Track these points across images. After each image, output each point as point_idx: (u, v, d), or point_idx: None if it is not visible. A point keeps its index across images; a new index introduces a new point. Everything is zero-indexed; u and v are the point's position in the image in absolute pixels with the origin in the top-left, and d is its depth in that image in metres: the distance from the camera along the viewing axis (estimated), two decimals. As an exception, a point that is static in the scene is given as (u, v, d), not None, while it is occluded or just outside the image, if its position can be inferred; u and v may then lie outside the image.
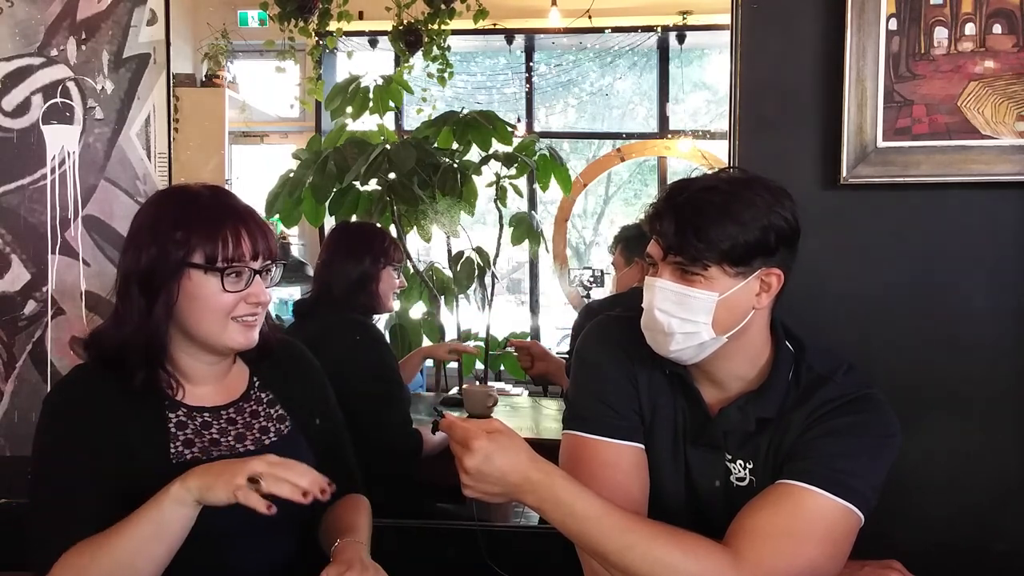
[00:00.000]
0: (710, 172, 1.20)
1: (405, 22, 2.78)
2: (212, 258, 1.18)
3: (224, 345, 1.23)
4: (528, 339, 3.07)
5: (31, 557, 1.12)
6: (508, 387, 2.87)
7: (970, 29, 1.54)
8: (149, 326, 1.19)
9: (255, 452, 1.26)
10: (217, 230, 1.18)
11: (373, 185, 2.72)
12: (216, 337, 1.22)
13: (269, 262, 1.23)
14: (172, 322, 1.21)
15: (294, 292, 2.47)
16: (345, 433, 1.46)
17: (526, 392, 2.86)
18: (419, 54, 2.82)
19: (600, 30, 3.18)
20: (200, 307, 1.20)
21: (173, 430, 1.22)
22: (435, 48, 2.82)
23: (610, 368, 1.25)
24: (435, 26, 2.77)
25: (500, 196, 2.84)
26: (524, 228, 2.92)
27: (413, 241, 2.81)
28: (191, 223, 1.19)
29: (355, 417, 1.53)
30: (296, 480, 1.07)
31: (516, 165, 2.79)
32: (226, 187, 1.31)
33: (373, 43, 3.06)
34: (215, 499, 1.06)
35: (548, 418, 2.59)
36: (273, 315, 1.43)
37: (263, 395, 1.34)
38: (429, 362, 2.94)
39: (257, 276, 1.22)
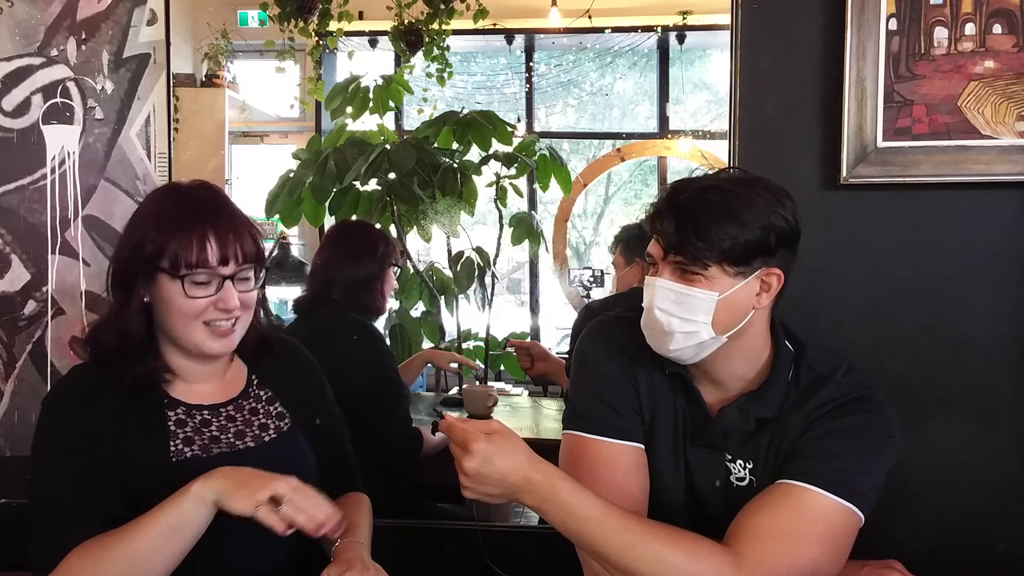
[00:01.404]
0: (711, 172, 1.20)
1: (405, 22, 2.78)
2: (175, 263, 1.16)
3: (197, 350, 1.22)
4: (528, 339, 3.07)
5: (32, 558, 1.12)
6: (508, 387, 2.87)
7: (970, 29, 1.54)
8: (127, 325, 1.20)
9: (255, 449, 1.26)
10: (183, 234, 1.17)
11: (373, 185, 2.72)
12: (188, 341, 1.21)
13: (246, 266, 1.21)
14: (155, 322, 1.22)
15: (294, 292, 2.47)
16: (344, 430, 1.46)
17: (526, 392, 2.86)
18: (419, 54, 2.82)
19: (600, 30, 3.18)
20: (169, 310, 1.19)
21: (172, 428, 1.22)
22: (435, 48, 2.82)
23: (610, 368, 1.25)
24: (435, 26, 2.77)
25: (500, 196, 2.84)
26: (524, 228, 2.92)
27: (413, 241, 2.81)
28: (165, 224, 1.18)
29: (355, 416, 1.53)
30: (314, 511, 1.07)
31: (516, 165, 2.79)
32: (224, 186, 1.30)
33: (373, 43, 3.06)
34: (233, 507, 1.07)
35: (548, 418, 2.59)
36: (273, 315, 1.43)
37: (262, 392, 1.34)
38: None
39: (228, 282, 1.19)
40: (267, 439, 1.29)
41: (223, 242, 1.18)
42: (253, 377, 1.35)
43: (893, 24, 1.54)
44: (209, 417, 1.26)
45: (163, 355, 1.25)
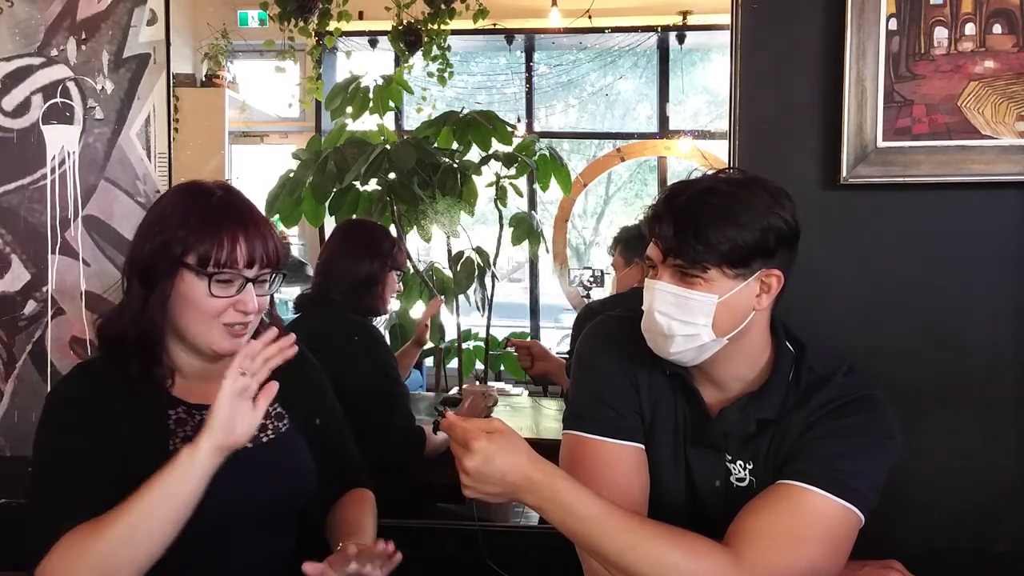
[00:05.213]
0: (710, 173, 1.20)
1: (405, 22, 2.78)
2: (204, 261, 1.18)
3: (209, 348, 1.23)
4: (528, 339, 3.08)
5: (27, 548, 1.12)
6: (508, 387, 2.87)
7: (970, 29, 1.54)
8: (145, 318, 1.20)
9: (252, 449, 1.26)
10: (214, 233, 1.18)
11: (373, 185, 2.72)
12: (202, 339, 1.22)
13: (267, 270, 1.23)
14: (167, 318, 1.22)
15: (294, 292, 2.47)
16: (345, 429, 1.45)
17: (526, 392, 2.86)
18: (419, 54, 2.82)
19: (600, 30, 3.19)
20: (189, 307, 1.20)
21: (172, 427, 1.23)
22: (435, 48, 2.82)
23: (610, 368, 1.25)
24: (435, 26, 2.78)
25: (500, 196, 2.84)
26: (524, 228, 2.93)
27: (413, 241, 2.82)
28: (193, 223, 1.19)
29: (355, 416, 1.53)
30: (256, 353, 1.13)
31: (516, 165, 2.80)
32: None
33: (373, 43, 3.07)
34: (238, 440, 1.11)
35: (548, 418, 2.59)
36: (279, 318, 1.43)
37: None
38: (429, 361, 2.95)
39: (250, 284, 1.21)
40: (264, 439, 1.29)
41: (251, 245, 1.20)
42: None
43: (893, 24, 1.54)
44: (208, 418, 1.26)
45: (169, 352, 1.25)
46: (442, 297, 2.76)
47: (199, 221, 1.19)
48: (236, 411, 1.11)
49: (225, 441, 1.10)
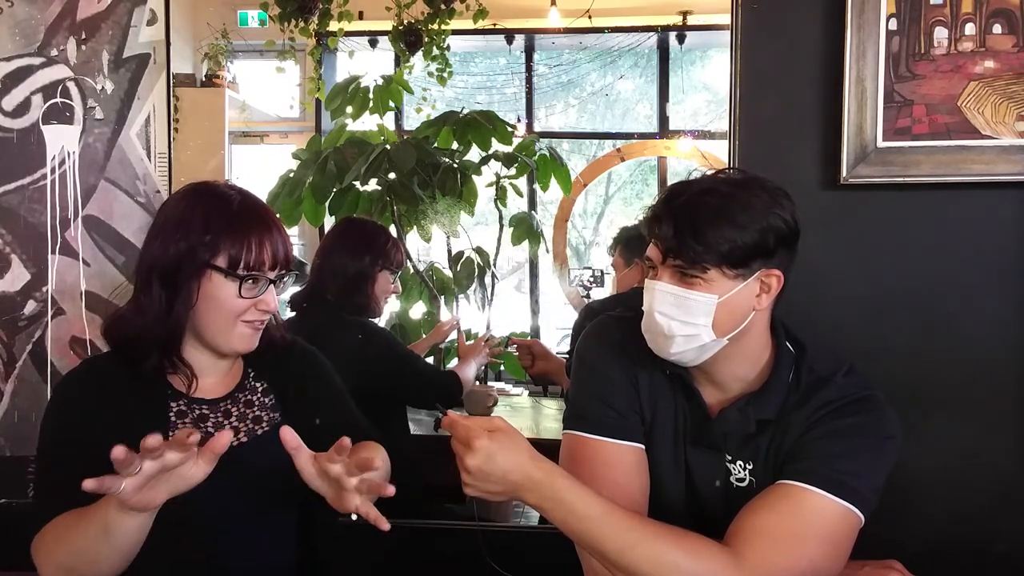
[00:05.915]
0: (709, 173, 1.20)
1: (405, 22, 2.78)
2: (235, 263, 1.20)
3: (229, 347, 1.25)
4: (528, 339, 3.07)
5: (31, 535, 1.14)
6: (508, 387, 2.87)
7: (970, 29, 1.54)
8: (170, 320, 1.22)
9: (248, 444, 1.27)
10: (243, 237, 1.21)
11: (373, 185, 2.72)
12: (222, 337, 1.24)
13: (284, 271, 1.26)
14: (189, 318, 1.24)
15: (294, 292, 2.47)
16: (358, 422, 1.42)
17: (526, 392, 2.86)
18: (419, 54, 2.82)
19: (600, 30, 3.18)
20: (214, 307, 1.22)
21: (173, 419, 1.24)
22: (435, 48, 2.82)
23: (611, 368, 1.25)
24: (435, 26, 2.77)
25: (500, 196, 2.84)
26: (524, 228, 2.93)
27: (413, 241, 2.81)
28: (220, 226, 1.21)
29: (386, 401, 1.52)
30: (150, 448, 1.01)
31: (516, 165, 2.80)
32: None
33: (373, 43, 3.07)
34: (179, 487, 1.03)
35: (548, 418, 2.59)
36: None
37: (257, 384, 1.35)
38: (429, 361, 2.94)
39: (271, 285, 1.25)
40: (260, 432, 1.30)
41: (275, 247, 1.24)
42: (249, 370, 1.36)
43: (893, 24, 1.55)
44: (207, 412, 1.27)
45: (181, 349, 1.26)
46: (458, 318, 2.78)
47: (225, 224, 1.21)
48: (154, 487, 1.02)
49: (150, 506, 1.03)
